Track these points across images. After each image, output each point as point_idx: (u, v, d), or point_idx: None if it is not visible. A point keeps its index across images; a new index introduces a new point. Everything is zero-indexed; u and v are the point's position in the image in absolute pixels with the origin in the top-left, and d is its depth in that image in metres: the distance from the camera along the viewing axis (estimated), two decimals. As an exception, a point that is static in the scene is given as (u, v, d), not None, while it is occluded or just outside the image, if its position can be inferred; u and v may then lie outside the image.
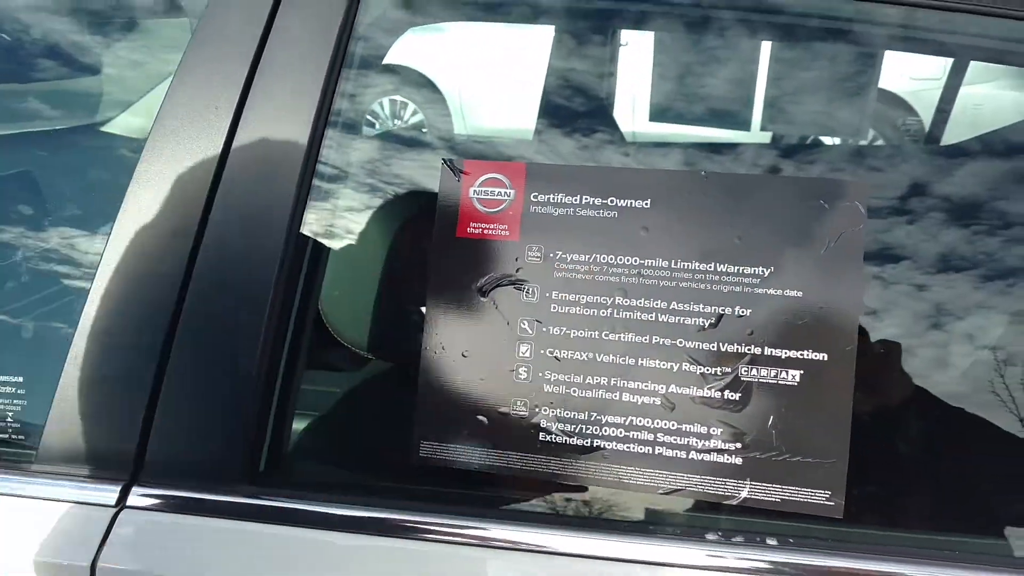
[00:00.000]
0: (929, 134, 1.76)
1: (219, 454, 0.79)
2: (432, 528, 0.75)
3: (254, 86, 0.83)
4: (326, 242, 0.89)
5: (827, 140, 1.34)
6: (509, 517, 0.77)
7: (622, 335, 0.75)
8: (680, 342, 0.74)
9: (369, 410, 1.01)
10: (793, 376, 0.72)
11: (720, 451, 0.73)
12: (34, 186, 1.14)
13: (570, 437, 0.76)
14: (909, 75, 2.17)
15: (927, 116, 1.83)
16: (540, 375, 0.76)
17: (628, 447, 0.74)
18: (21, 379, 0.90)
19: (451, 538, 0.74)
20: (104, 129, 1.74)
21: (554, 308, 0.76)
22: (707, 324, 0.73)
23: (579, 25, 1.04)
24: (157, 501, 0.79)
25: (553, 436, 0.76)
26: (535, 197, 0.78)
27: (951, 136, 1.63)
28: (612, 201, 0.76)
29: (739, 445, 0.72)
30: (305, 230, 0.83)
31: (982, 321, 0.78)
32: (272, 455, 0.83)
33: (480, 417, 0.77)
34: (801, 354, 0.72)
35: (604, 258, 0.76)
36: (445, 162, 0.80)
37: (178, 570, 0.77)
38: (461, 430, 0.78)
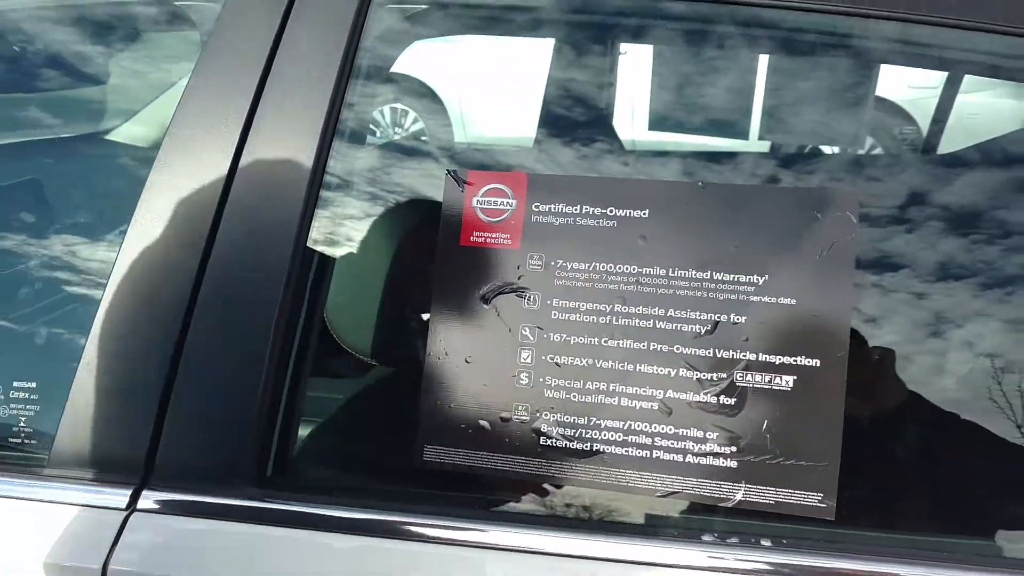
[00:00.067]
0: (926, 143, 1.78)
1: (228, 458, 0.81)
2: (436, 530, 0.76)
3: (263, 99, 0.86)
4: (332, 251, 0.91)
5: (824, 149, 1.36)
6: (511, 520, 0.79)
7: (621, 342, 0.77)
8: (677, 348, 0.76)
9: (374, 415, 1.03)
10: (787, 381, 0.74)
11: (716, 455, 0.75)
12: (44, 193, 1.16)
13: (570, 441, 0.78)
14: (907, 83, 2.20)
15: (925, 124, 1.85)
16: (541, 381, 0.78)
17: (626, 451, 0.76)
18: (34, 385, 0.92)
19: (454, 540, 0.76)
20: (108, 138, 1.76)
21: (555, 315, 0.78)
22: (703, 331, 0.76)
23: (578, 37, 1.07)
24: (167, 504, 0.80)
25: (554, 440, 0.78)
26: (536, 207, 0.80)
27: (948, 145, 1.65)
28: (611, 211, 0.78)
29: (734, 449, 0.74)
30: (312, 240, 0.85)
31: (974, 328, 0.80)
32: (279, 459, 0.84)
33: (483, 422, 0.79)
34: (794, 360, 0.74)
35: (603, 266, 0.78)
36: (449, 173, 0.83)
37: (188, 572, 0.78)
38: (464, 434, 0.79)
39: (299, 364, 0.86)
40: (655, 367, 0.76)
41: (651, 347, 0.77)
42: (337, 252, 0.92)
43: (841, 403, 0.72)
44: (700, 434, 0.75)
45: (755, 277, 0.75)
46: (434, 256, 0.82)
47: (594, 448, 0.77)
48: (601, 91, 1.29)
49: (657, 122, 1.50)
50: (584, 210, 0.79)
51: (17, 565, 0.80)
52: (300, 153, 0.83)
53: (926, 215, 0.83)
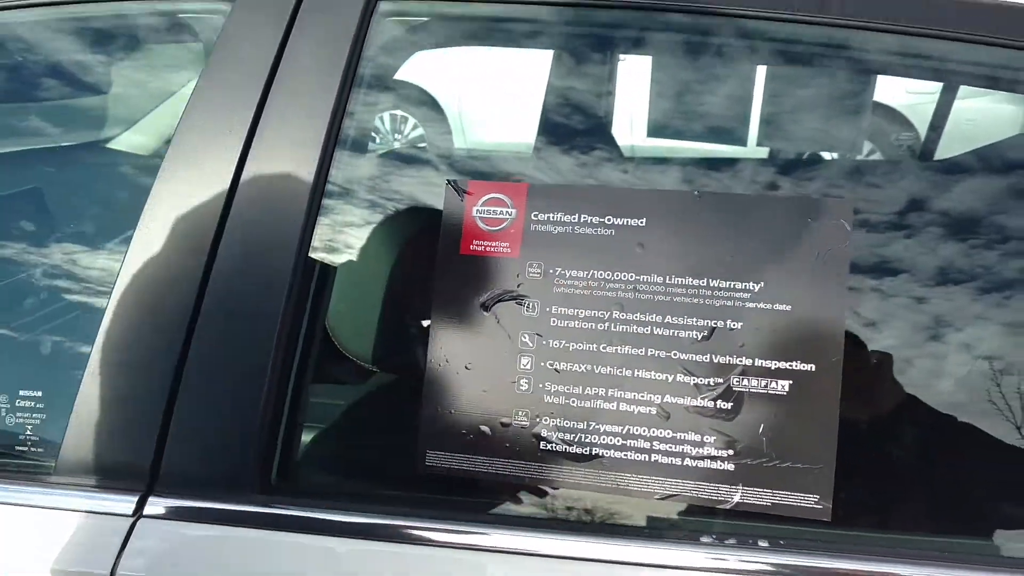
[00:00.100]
0: (924, 148, 1.79)
1: (232, 465, 0.82)
2: (438, 534, 0.78)
3: (266, 110, 0.88)
4: (334, 259, 0.93)
5: (822, 155, 1.38)
6: (512, 523, 0.81)
7: (619, 348, 0.79)
8: (675, 354, 0.78)
9: (376, 421, 1.04)
10: (782, 386, 0.75)
11: (713, 458, 0.76)
12: (48, 201, 1.17)
13: (570, 446, 0.79)
14: (905, 88, 2.21)
15: (923, 129, 1.86)
16: (541, 386, 0.80)
17: (625, 455, 0.78)
18: (40, 393, 0.93)
19: (457, 544, 0.77)
20: (110, 146, 1.78)
21: (554, 322, 0.80)
22: (700, 337, 0.77)
23: (577, 47, 1.09)
24: (173, 511, 0.82)
25: (553, 445, 0.79)
26: (535, 216, 0.82)
27: (946, 150, 1.67)
28: (609, 219, 0.80)
29: (731, 452, 0.76)
30: (314, 250, 0.87)
31: (968, 332, 0.81)
32: (283, 466, 0.85)
33: (483, 427, 0.81)
34: (790, 365, 0.75)
35: (602, 274, 0.80)
36: (449, 183, 0.84)
37: (192, 575, 0.79)
38: (465, 439, 0.81)
39: (301, 372, 0.87)
40: (653, 372, 0.78)
41: (649, 353, 0.78)
42: (339, 260, 0.93)
43: (836, 407, 0.74)
44: (698, 438, 0.77)
45: (751, 284, 0.77)
46: (434, 264, 0.84)
47: (593, 452, 0.79)
48: (600, 99, 1.30)
49: (656, 129, 1.52)
50: (582, 219, 0.81)
51: (25, 571, 0.81)
52: (302, 163, 0.85)
53: (921, 220, 0.84)
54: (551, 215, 0.81)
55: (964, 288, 0.82)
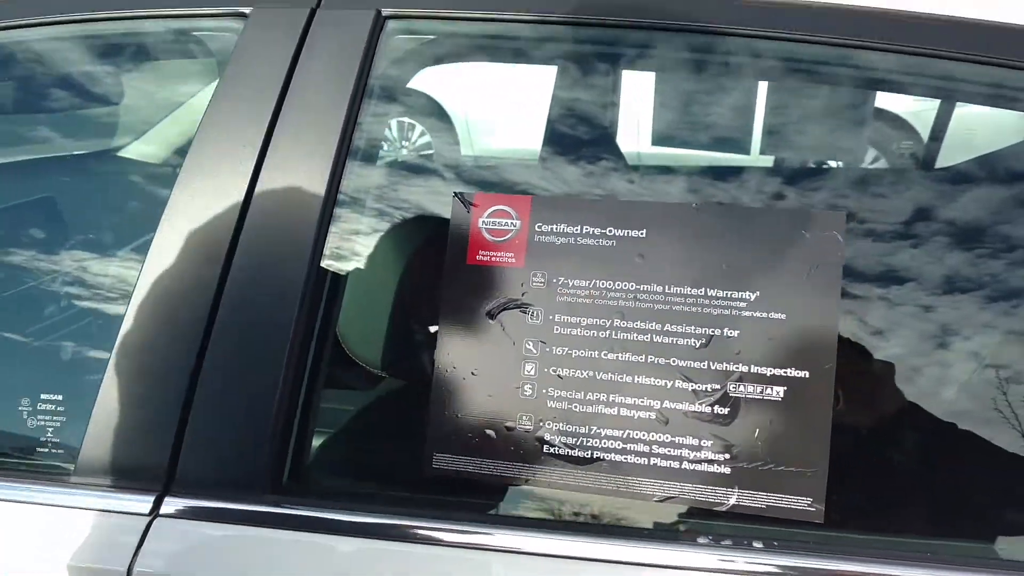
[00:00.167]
0: (926, 156, 1.81)
1: (245, 466, 0.84)
2: (444, 534, 0.80)
3: (279, 123, 0.90)
4: (345, 268, 0.95)
5: (823, 163, 1.39)
6: (515, 523, 0.82)
7: (620, 355, 0.81)
8: (673, 361, 0.80)
9: (384, 425, 1.06)
10: (777, 392, 0.78)
11: (710, 461, 0.78)
12: (65, 208, 1.21)
13: (572, 449, 0.81)
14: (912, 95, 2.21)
15: (926, 136, 1.88)
16: (544, 392, 0.82)
17: (626, 458, 0.80)
18: (60, 397, 0.95)
19: (462, 544, 0.79)
20: (120, 155, 1.81)
21: (557, 330, 0.82)
22: (698, 344, 0.80)
23: (581, 62, 1.11)
24: (188, 510, 0.83)
25: (556, 448, 0.82)
26: (539, 227, 0.84)
27: (948, 158, 1.68)
28: (610, 231, 0.83)
29: (728, 456, 0.78)
30: (326, 259, 0.89)
31: (958, 338, 0.83)
32: (294, 467, 0.87)
33: (488, 431, 0.83)
34: (784, 372, 0.78)
35: (603, 283, 0.82)
36: (456, 195, 0.87)
37: (207, 573, 0.81)
38: (471, 443, 0.83)
39: (313, 377, 0.89)
40: (652, 379, 0.80)
41: (649, 360, 0.80)
42: (349, 269, 0.96)
43: (829, 412, 0.76)
44: (695, 442, 0.79)
45: (747, 293, 0.79)
46: (442, 273, 0.86)
47: (595, 455, 0.81)
48: (604, 110, 1.33)
49: (660, 139, 1.54)
50: (584, 230, 0.83)
51: (46, 567, 0.83)
52: (315, 175, 0.88)
53: (918, 228, 0.86)
54: (554, 226, 0.84)
55: (954, 292, 0.84)
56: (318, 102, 0.91)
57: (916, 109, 2.31)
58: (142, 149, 1.87)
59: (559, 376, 0.82)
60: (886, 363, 0.84)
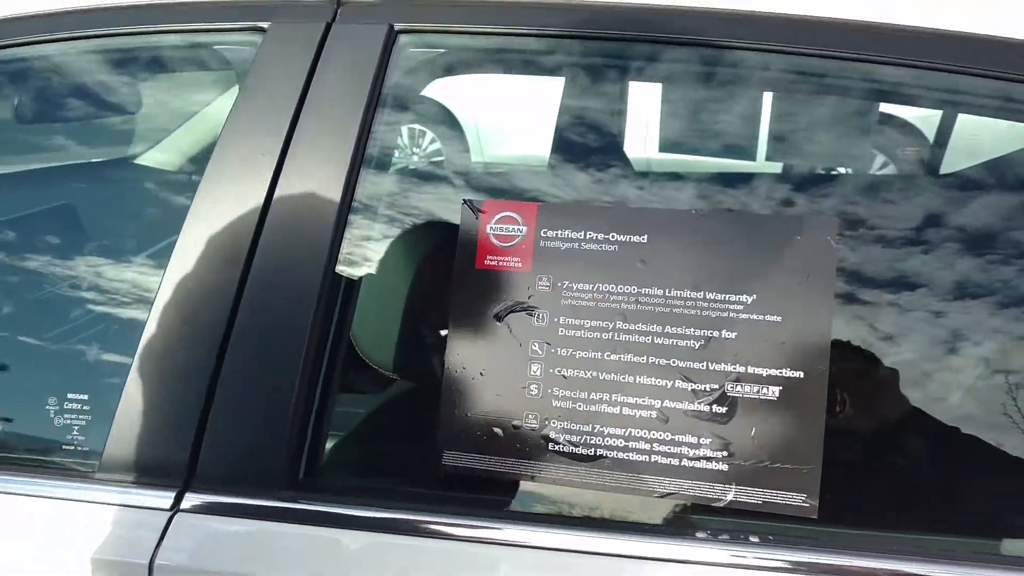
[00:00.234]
0: (932, 161, 1.82)
1: (263, 464, 0.87)
2: (453, 528, 0.83)
3: (296, 133, 0.93)
4: (359, 273, 0.98)
5: (820, 169, 1.41)
6: (522, 518, 0.85)
7: (622, 356, 0.83)
8: (673, 362, 0.83)
9: (396, 424, 1.09)
10: (773, 392, 0.80)
11: (708, 459, 0.81)
12: (89, 213, 1.25)
13: (576, 447, 0.84)
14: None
15: (934, 141, 1.89)
16: (549, 391, 0.85)
17: (627, 455, 0.83)
18: (86, 397, 0.98)
19: (470, 538, 0.82)
20: (138, 162, 1.86)
21: (561, 332, 0.85)
22: (697, 346, 0.82)
23: (589, 73, 1.14)
24: (208, 506, 0.86)
25: (561, 446, 0.84)
26: (545, 233, 0.87)
27: (954, 164, 1.70)
28: (613, 236, 0.85)
29: (726, 453, 0.81)
30: (340, 263, 0.92)
31: (948, 339, 0.85)
32: (310, 465, 0.90)
33: (496, 429, 0.86)
34: (780, 372, 0.80)
35: (606, 287, 0.85)
36: (465, 202, 0.90)
37: (227, 566, 0.84)
38: (479, 441, 0.86)
39: (328, 378, 0.92)
40: (653, 379, 0.83)
41: (649, 361, 0.83)
42: (363, 274, 0.98)
43: (823, 411, 0.78)
44: (694, 440, 0.81)
45: (744, 297, 0.82)
46: (451, 278, 0.89)
47: (598, 453, 0.83)
48: (611, 118, 1.36)
49: (667, 146, 1.57)
50: (588, 236, 0.86)
51: (71, 560, 0.86)
52: (330, 183, 0.91)
53: (922, 232, 0.88)
54: (559, 232, 0.86)
55: (952, 293, 0.86)
56: (333, 112, 0.94)
57: (924, 114, 2.32)
58: (157, 157, 1.91)
59: (564, 376, 0.85)
60: (882, 365, 0.86)
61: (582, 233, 0.86)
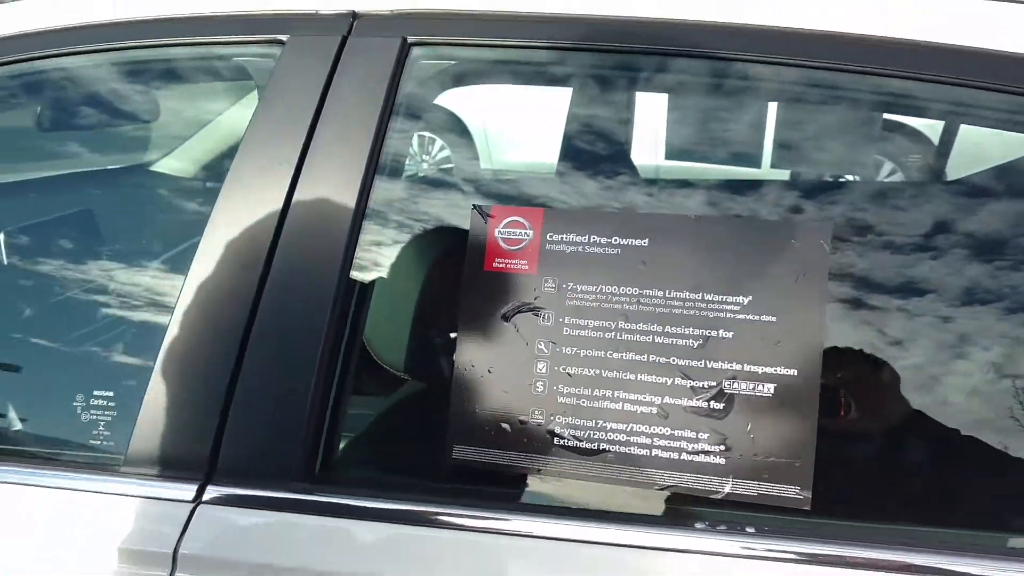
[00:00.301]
0: (940, 167, 1.85)
1: (281, 458, 0.90)
2: (462, 519, 0.86)
3: (313, 142, 0.97)
4: (372, 277, 1.01)
5: (825, 176, 1.44)
6: (528, 509, 0.88)
7: (624, 354, 0.87)
8: (673, 360, 0.86)
9: (408, 420, 1.12)
10: (768, 389, 0.83)
11: (706, 453, 0.84)
12: (109, 218, 1.30)
13: (580, 441, 0.87)
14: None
15: (943, 148, 1.91)
16: (554, 388, 0.88)
17: (629, 449, 0.86)
18: (111, 393, 1.02)
19: (478, 528, 0.86)
20: (154, 169, 1.92)
21: (566, 331, 0.89)
22: (696, 345, 0.86)
23: (597, 84, 1.17)
24: (229, 498, 0.90)
25: (565, 440, 0.88)
26: (550, 237, 0.91)
27: (959, 170, 1.73)
28: (616, 240, 0.89)
29: (723, 448, 0.84)
30: (355, 267, 0.95)
31: (937, 338, 0.88)
32: (325, 459, 0.93)
33: (504, 424, 0.89)
34: (775, 370, 0.83)
35: (609, 288, 0.88)
36: (475, 207, 0.94)
37: (246, 555, 0.87)
38: (487, 435, 0.89)
39: (342, 377, 0.96)
40: (654, 376, 0.86)
41: (650, 359, 0.86)
42: (376, 277, 1.02)
43: (815, 407, 0.82)
44: (693, 435, 0.85)
45: (740, 298, 0.85)
46: (461, 280, 0.93)
47: (601, 447, 0.87)
48: (617, 126, 1.39)
49: (673, 153, 1.61)
50: (592, 239, 0.89)
51: (98, 550, 0.90)
52: (346, 191, 0.95)
53: (924, 238, 0.90)
54: (564, 236, 0.90)
55: (951, 299, 0.88)
56: (349, 122, 0.98)
57: (931, 121, 2.34)
58: (171, 164, 1.97)
59: (568, 374, 0.88)
60: (886, 368, 0.88)
61: (586, 237, 0.90)
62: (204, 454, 0.92)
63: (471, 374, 0.91)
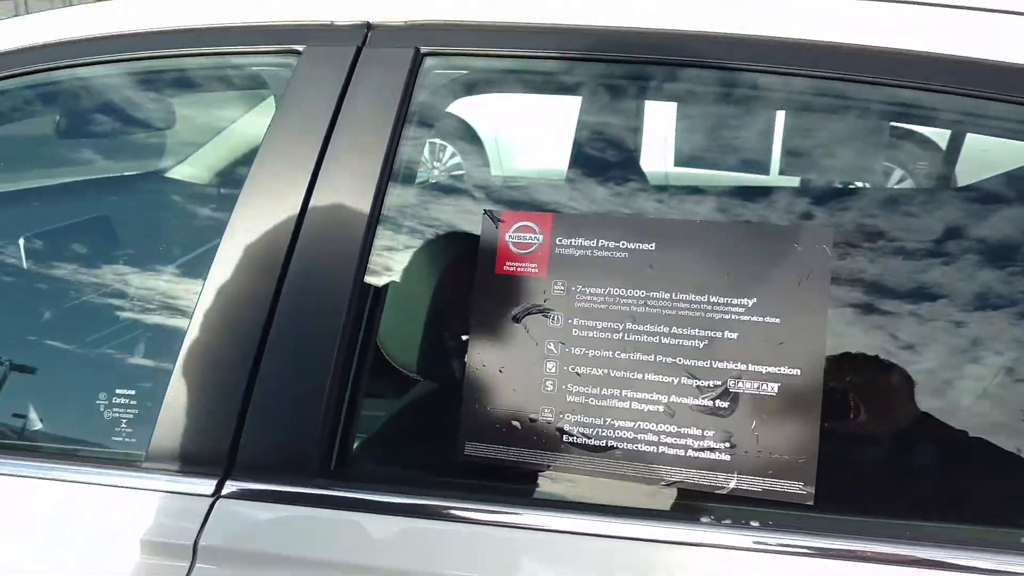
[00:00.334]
0: (948, 174, 1.87)
1: (298, 454, 0.93)
2: (474, 513, 0.89)
3: (329, 149, 1.00)
4: (386, 280, 1.04)
5: (839, 183, 1.46)
6: (538, 504, 0.91)
7: (631, 354, 0.89)
8: (679, 360, 0.88)
9: (421, 419, 1.15)
10: (772, 388, 0.86)
11: (712, 449, 0.87)
12: (128, 222, 1.34)
13: (588, 438, 0.90)
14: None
15: (951, 154, 1.93)
16: (564, 387, 0.91)
17: (636, 447, 0.88)
18: (133, 392, 1.05)
19: (490, 522, 0.88)
20: (169, 175, 1.96)
21: (575, 332, 0.91)
22: (702, 345, 0.88)
23: (605, 93, 1.20)
24: (247, 492, 0.92)
25: (574, 438, 0.90)
26: (560, 241, 0.93)
27: (968, 176, 1.74)
28: (623, 244, 0.91)
29: (728, 445, 0.86)
30: (369, 271, 0.98)
31: (933, 337, 0.90)
32: (341, 455, 0.95)
33: (514, 422, 0.92)
34: (778, 370, 0.86)
35: (616, 291, 0.90)
36: (486, 212, 0.96)
37: (264, 547, 0.91)
38: (498, 433, 0.92)
39: (357, 377, 0.98)
40: (660, 376, 0.88)
41: (657, 359, 0.89)
42: (390, 282, 1.04)
43: (818, 406, 0.84)
44: (699, 432, 0.87)
45: (745, 300, 0.87)
46: (473, 284, 0.95)
47: (609, 444, 0.89)
48: (626, 134, 1.41)
49: (682, 160, 1.64)
50: (600, 243, 0.92)
51: (120, 543, 0.93)
52: (360, 197, 0.97)
53: (934, 244, 0.93)
54: (573, 240, 0.93)
55: (961, 304, 0.90)
56: (363, 130, 1.00)
57: (939, 128, 2.36)
58: (185, 170, 2.01)
59: (577, 373, 0.91)
60: (894, 372, 0.91)
61: (594, 241, 0.93)
62: (223, 450, 0.94)
63: (483, 374, 0.94)
